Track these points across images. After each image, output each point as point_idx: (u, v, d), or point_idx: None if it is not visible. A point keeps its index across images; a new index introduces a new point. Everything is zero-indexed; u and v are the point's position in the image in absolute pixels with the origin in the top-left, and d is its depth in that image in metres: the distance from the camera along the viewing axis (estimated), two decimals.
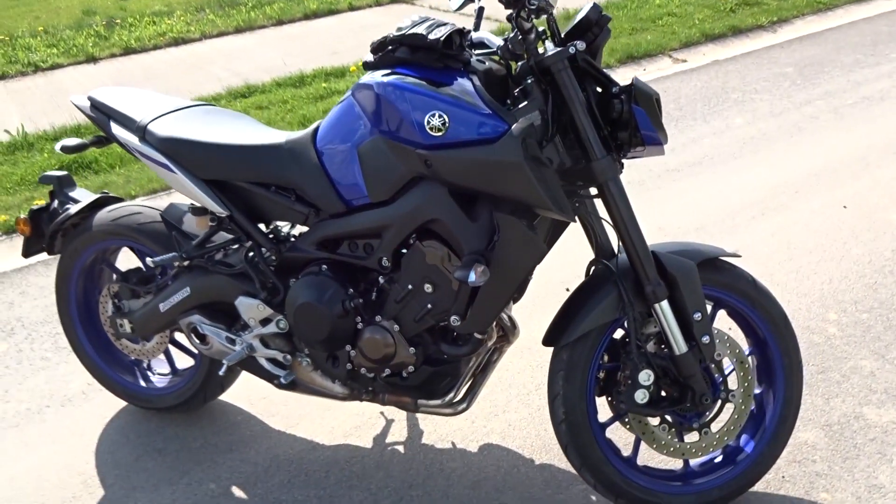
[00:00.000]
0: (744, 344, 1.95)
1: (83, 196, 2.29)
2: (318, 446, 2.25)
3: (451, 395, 1.97)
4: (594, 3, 1.73)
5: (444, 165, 1.67)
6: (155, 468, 2.23)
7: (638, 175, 3.83)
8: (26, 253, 2.31)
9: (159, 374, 2.43)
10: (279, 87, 5.84)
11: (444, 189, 1.71)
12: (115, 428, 2.40)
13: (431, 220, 1.74)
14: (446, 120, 1.65)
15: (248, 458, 2.23)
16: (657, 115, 1.69)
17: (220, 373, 2.05)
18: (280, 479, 2.14)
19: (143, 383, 2.41)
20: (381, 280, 1.86)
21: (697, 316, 1.76)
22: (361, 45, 6.61)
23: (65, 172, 2.33)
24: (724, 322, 1.98)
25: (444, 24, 1.72)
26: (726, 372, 1.88)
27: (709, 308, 1.88)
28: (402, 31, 1.73)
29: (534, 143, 1.62)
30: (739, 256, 1.88)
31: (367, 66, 1.79)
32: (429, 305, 1.81)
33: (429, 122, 1.66)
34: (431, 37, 1.68)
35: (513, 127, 1.61)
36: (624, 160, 1.81)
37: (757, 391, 1.95)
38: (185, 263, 2.05)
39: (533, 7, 1.61)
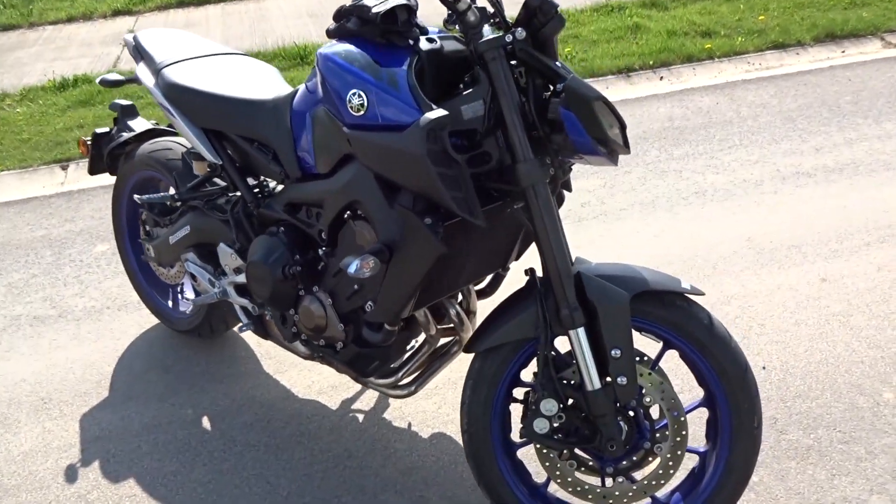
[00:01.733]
0: (696, 392, 1.70)
1: (139, 126, 2.51)
2: (291, 396, 2.34)
3: (397, 376, 1.95)
4: None
5: (359, 147, 1.61)
6: (155, 383, 2.45)
7: (759, 174, 3.39)
8: (91, 171, 2.60)
9: (185, 298, 2.64)
10: None
11: (369, 171, 1.64)
12: (144, 339, 2.67)
13: (356, 201, 1.69)
14: (365, 100, 1.58)
15: (229, 393, 2.38)
16: (595, 121, 1.48)
17: (187, 311, 2.19)
18: (244, 420, 2.27)
19: (170, 304, 2.64)
20: (321, 252, 1.86)
21: (616, 353, 1.56)
22: None
23: (129, 102, 2.56)
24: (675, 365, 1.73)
25: None
26: (659, 420, 1.65)
27: (658, 347, 1.67)
28: (355, 1, 1.66)
29: (444, 137, 1.50)
30: (701, 294, 1.62)
31: (328, 34, 1.75)
32: (355, 286, 1.78)
33: (350, 101, 1.60)
34: (374, 10, 1.60)
35: (421, 118, 1.50)
36: (578, 163, 1.63)
37: (702, 449, 1.70)
38: (178, 204, 2.19)
39: None
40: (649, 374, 1.62)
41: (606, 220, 3.17)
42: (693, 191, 3.32)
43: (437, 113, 1.50)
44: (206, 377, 2.46)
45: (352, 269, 1.55)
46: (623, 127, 1.58)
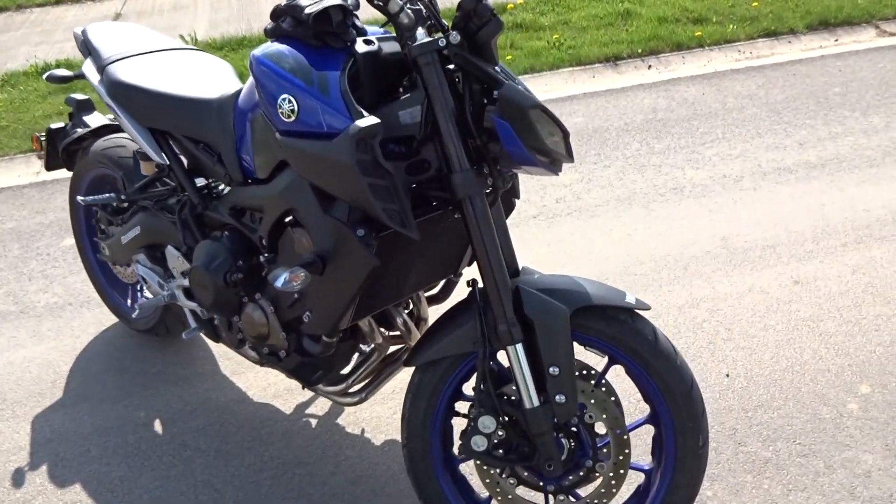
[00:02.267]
0: (643, 408, 1.64)
1: (95, 121, 2.45)
2: (246, 400, 2.30)
3: (347, 384, 1.91)
4: None
5: (291, 154, 1.55)
6: (110, 384, 2.42)
7: (740, 169, 3.32)
8: (47, 167, 2.54)
9: (144, 297, 2.59)
10: None
11: (305, 179, 1.58)
12: (103, 338, 2.63)
13: (293, 209, 1.63)
14: (296, 106, 1.51)
15: (183, 395, 2.34)
16: (531, 130, 1.42)
17: (133, 316, 2.14)
18: (197, 424, 2.23)
19: (129, 303, 2.59)
20: (262, 259, 1.80)
21: (554, 370, 1.50)
22: None
23: (86, 97, 2.50)
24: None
25: None
26: (603, 437, 1.60)
27: (604, 362, 1.61)
28: (290, 2, 1.59)
29: (375, 146, 1.44)
30: (646, 308, 1.57)
31: (265, 33, 1.69)
32: (295, 295, 1.73)
33: (281, 106, 1.54)
34: (307, 11, 1.53)
35: (350, 126, 1.44)
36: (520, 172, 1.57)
37: (647, 466, 1.65)
38: (124, 205, 2.14)
39: None
40: (592, 390, 1.57)
41: (580, 216, 3.10)
42: (671, 186, 3.25)
43: (368, 121, 1.44)
44: (161, 378, 2.42)
45: (279, 282, 1.50)
46: (566, 135, 1.51)
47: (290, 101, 1.52)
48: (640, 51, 4.79)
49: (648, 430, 1.67)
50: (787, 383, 2.18)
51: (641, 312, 1.58)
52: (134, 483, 2.05)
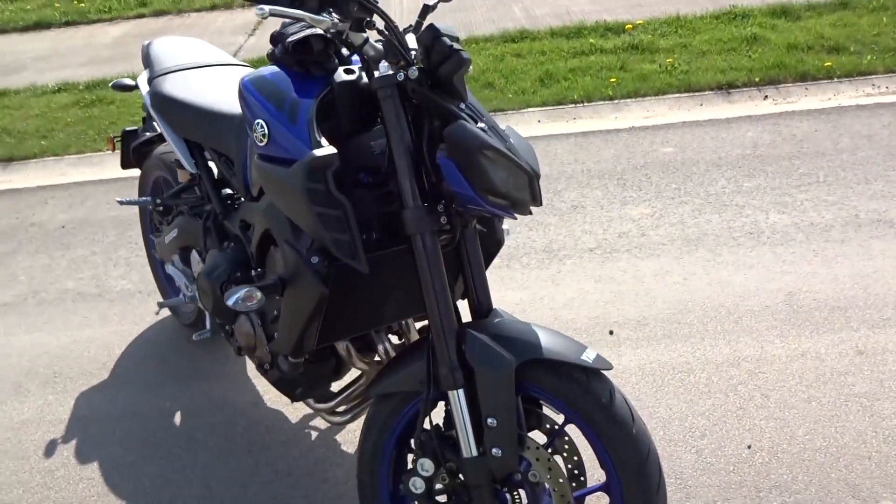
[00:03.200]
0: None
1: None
2: (260, 403, 2.38)
3: (335, 402, 1.94)
4: (430, 25, 1.43)
5: (262, 177, 1.59)
6: (149, 372, 2.59)
7: (832, 218, 3.02)
8: (122, 166, 2.76)
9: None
10: (552, 37, 5.70)
11: None
12: (156, 327, 2.82)
13: (269, 229, 1.67)
14: (266, 131, 1.55)
15: (208, 391, 2.47)
16: (481, 173, 1.37)
17: (155, 313, 2.27)
18: (211, 421, 2.34)
19: (180, 297, 2.76)
20: (253, 273, 1.86)
21: (491, 422, 1.44)
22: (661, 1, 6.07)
23: None
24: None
25: (317, 26, 1.57)
26: (545, 499, 1.51)
27: (559, 420, 1.53)
28: (281, 28, 1.63)
29: (328, 176, 1.44)
30: (606, 368, 1.47)
31: (267, 57, 1.74)
32: (275, 312, 1.77)
33: (255, 130, 1.58)
34: (288, 39, 1.57)
35: (306, 154, 1.45)
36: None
37: None
38: (160, 209, 2.28)
39: (347, 13, 1.40)
40: (538, 448, 1.49)
41: (639, 254, 2.95)
42: (748, 230, 3.02)
43: (324, 151, 1.45)
44: (193, 372, 2.55)
45: (230, 300, 1.54)
46: (531, 178, 1.44)
47: (262, 126, 1.56)
48: (758, 79, 4.48)
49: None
50: (816, 466, 1.96)
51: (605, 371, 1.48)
52: (141, 469, 2.18)
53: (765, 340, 2.41)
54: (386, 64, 1.45)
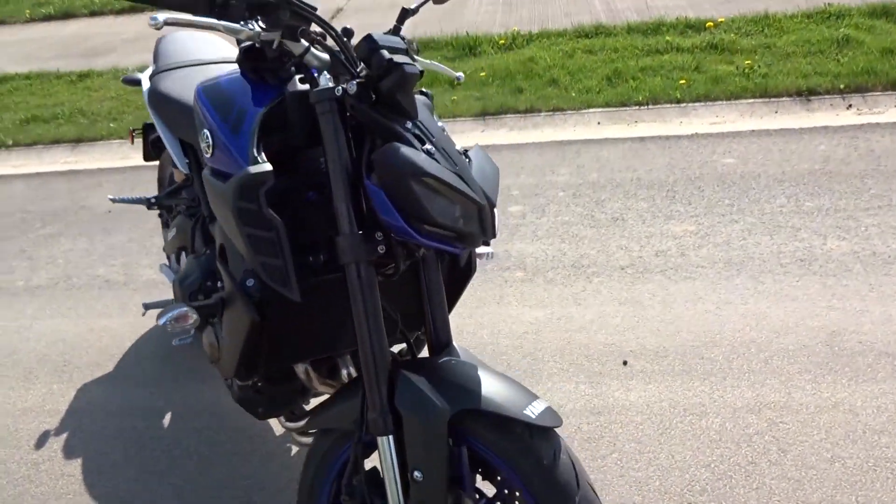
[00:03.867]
0: None
1: None
2: None
3: (301, 423, 1.86)
4: (367, 35, 1.29)
5: (207, 191, 1.50)
6: (150, 369, 2.58)
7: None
8: (144, 158, 2.75)
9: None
10: (628, 33, 5.42)
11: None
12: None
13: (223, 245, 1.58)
14: (210, 142, 1.46)
15: (200, 393, 2.44)
16: (414, 202, 1.22)
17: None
18: (197, 425, 2.30)
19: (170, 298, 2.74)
20: (218, 285, 1.78)
21: (417, 475, 1.30)
22: None
23: None
24: None
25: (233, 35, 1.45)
26: None
27: (499, 477, 1.38)
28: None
29: (260, 195, 1.33)
30: (554, 426, 1.30)
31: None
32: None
33: (202, 141, 1.49)
34: (242, 44, 1.47)
35: (241, 171, 1.35)
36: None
37: None
38: (154, 208, 2.24)
39: (276, 22, 1.28)
40: None
41: (674, 276, 2.71)
42: (799, 257, 2.73)
43: (258, 168, 1.34)
44: (190, 373, 2.53)
45: (161, 319, 1.46)
46: (482, 208, 1.29)
47: (207, 137, 1.47)
48: (843, 86, 4.08)
49: None
50: None
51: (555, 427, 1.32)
52: (121, 469, 2.16)
53: (794, 386, 2.16)
54: (328, 76, 1.33)
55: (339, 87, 1.29)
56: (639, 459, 1.98)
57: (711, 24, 5.20)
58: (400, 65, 1.26)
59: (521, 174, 3.66)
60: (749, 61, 4.53)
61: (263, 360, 1.55)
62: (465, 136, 4.29)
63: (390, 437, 1.33)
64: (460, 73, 1.82)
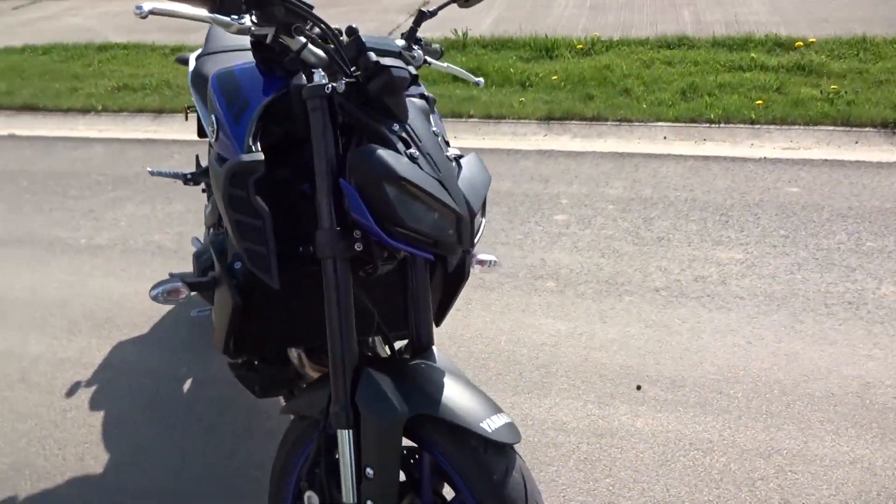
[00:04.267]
0: None
1: None
2: None
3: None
4: (356, 37, 1.29)
5: (210, 175, 1.55)
6: (184, 335, 2.69)
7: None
8: (198, 134, 2.87)
9: None
10: (712, 47, 5.24)
11: None
12: None
13: None
14: (215, 128, 1.51)
15: (222, 364, 2.51)
16: (387, 205, 1.23)
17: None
18: (212, 396, 2.38)
19: None
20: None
21: (369, 472, 1.31)
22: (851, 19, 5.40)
23: None
24: None
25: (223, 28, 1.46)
26: None
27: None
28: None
29: (249, 184, 1.36)
30: (510, 442, 1.29)
31: None
32: None
33: (209, 125, 1.54)
34: (253, 31, 1.50)
35: (235, 158, 1.39)
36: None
37: None
38: (190, 183, 2.33)
39: (271, 17, 1.30)
40: None
41: (708, 304, 2.62)
42: (847, 299, 2.58)
43: (250, 157, 1.37)
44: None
45: (153, 291, 1.53)
46: (460, 217, 1.29)
47: (213, 122, 1.52)
48: None
49: None
50: None
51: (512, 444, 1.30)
52: (137, 427, 2.27)
53: (812, 434, 2.05)
54: (322, 73, 1.35)
55: (330, 85, 1.31)
56: (632, 488, 1.92)
57: (801, 43, 4.97)
58: (387, 68, 1.27)
59: (575, 183, 3.61)
60: (836, 86, 4.31)
61: (250, 342, 1.59)
62: (526, 139, 4.26)
63: (350, 431, 1.35)
64: (480, 79, 1.81)
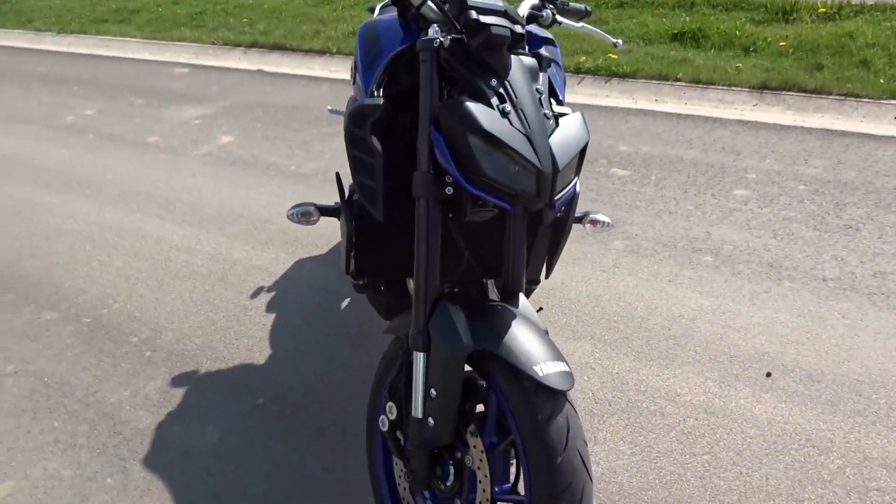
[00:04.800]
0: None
1: None
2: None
3: None
4: None
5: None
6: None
7: None
8: None
9: None
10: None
11: None
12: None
13: None
14: (354, 72, 1.69)
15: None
16: (469, 156, 1.35)
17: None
18: (357, 314, 2.66)
19: None
20: None
21: (433, 392, 1.45)
22: None
23: None
24: None
25: None
26: (472, 478, 1.49)
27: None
28: None
29: (367, 124, 1.53)
30: (563, 389, 1.36)
31: None
32: None
33: (352, 70, 1.73)
34: None
35: (357, 100, 1.57)
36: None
37: None
38: None
39: None
40: (477, 437, 1.47)
41: (879, 304, 2.39)
42: None
43: (371, 101, 1.55)
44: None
45: (290, 212, 1.77)
46: (540, 173, 1.37)
47: (354, 67, 1.71)
48: None
49: None
50: None
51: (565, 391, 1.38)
52: (299, 334, 2.61)
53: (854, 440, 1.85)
54: (436, 28, 1.47)
55: (438, 39, 1.43)
56: (729, 470, 1.89)
57: None
58: (486, 26, 1.36)
59: (769, 158, 3.38)
60: None
61: (368, 267, 1.80)
62: (732, 108, 4.03)
63: (424, 354, 1.50)
64: (619, 40, 1.81)
